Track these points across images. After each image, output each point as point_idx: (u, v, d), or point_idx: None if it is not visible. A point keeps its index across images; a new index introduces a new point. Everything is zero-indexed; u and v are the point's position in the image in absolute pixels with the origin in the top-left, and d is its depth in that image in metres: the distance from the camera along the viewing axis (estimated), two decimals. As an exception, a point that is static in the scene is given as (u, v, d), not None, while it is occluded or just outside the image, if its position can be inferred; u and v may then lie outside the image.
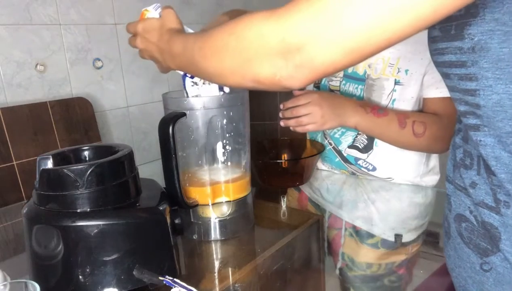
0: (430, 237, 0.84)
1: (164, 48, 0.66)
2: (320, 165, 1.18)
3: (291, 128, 1.01)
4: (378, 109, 0.98)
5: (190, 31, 0.71)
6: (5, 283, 0.51)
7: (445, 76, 0.46)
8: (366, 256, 0.77)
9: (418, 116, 0.98)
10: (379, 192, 1.05)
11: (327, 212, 0.96)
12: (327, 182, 1.13)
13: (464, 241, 0.47)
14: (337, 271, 0.73)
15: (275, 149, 1.16)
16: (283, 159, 1.14)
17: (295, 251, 0.78)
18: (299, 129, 0.99)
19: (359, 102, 0.99)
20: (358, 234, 0.86)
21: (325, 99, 0.96)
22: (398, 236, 0.84)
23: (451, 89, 0.46)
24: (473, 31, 0.40)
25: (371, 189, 1.06)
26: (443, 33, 0.44)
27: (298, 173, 1.05)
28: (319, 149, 1.06)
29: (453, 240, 0.50)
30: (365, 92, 1.04)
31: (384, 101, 1.02)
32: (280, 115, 1.03)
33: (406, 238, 0.84)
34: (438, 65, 0.46)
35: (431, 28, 0.46)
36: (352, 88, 1.05)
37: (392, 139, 1.00)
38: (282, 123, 1.02)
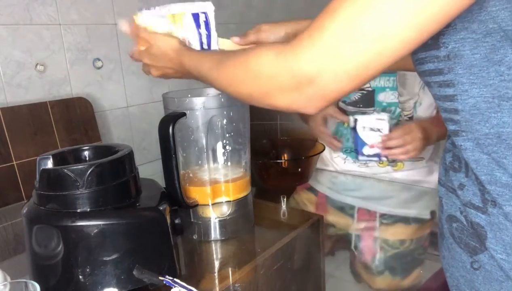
0: (431, 237, 0.84)
1: (181, 70, 0.67)
2: (339, 161, 1.20)
3: (390, 157, 1.08)
4: (439, 121, 1.06)
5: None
6: (5, 283, 0.51)
7: (428, 85, 0.49)
8: (400, 234, 0.87)
9: None
10: (402, 178, 1.15)
11: (355, 208, 1.03)
12: (345, 180, 1.18)
13: (456, 240, 0.49)
14: (376, 261, 0.78)
15: (275, 149, 1.16)
16: (283, 159, 1.14)
17: (295, 251, 0.78)
18: (403, 157, 1.06)
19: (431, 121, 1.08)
20: (390, 218, 0.96)
21: (421, 127, 1.04)
22: (432, 212, 0.94)
23: (434, 97, 0.49)
24: (447, 40, 0.43)
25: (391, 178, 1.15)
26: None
27: (298, 173, 1.05)
28: (319, 149, 1.06)
29: (446, 240, 0.52)
30: (398, 82, 1.12)
31: (416, 88, 1.12)
32: (380, 145, 1.07)
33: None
34: (420, 75, 0.49)
35: None
36: (383, 81, 1.14)
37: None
38: (385, 153, 1.05)
